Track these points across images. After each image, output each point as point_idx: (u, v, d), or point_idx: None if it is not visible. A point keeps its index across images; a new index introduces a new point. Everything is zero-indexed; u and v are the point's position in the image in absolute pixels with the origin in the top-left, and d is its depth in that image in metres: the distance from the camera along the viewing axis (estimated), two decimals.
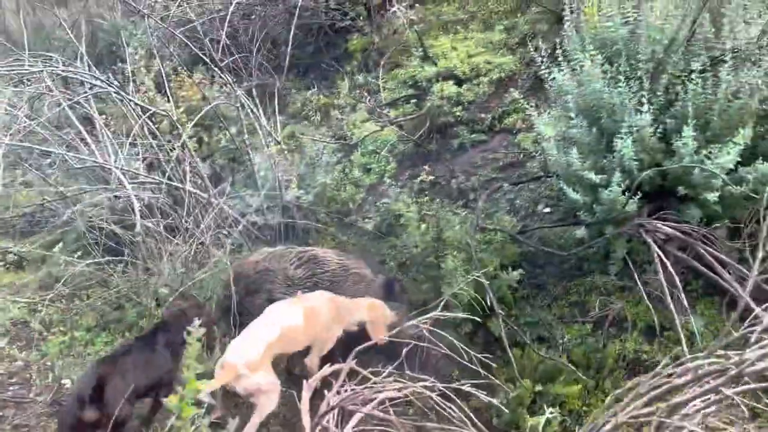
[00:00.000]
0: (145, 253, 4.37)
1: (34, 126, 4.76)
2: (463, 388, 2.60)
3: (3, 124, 4.95)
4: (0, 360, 4.11)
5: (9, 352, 4.18)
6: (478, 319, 3.51)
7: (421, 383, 2.44)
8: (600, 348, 3.67)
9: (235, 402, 3.48)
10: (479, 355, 2.89)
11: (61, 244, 4.56)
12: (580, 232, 3.62)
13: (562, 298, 4.06)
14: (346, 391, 2.36)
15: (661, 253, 3.07)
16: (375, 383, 2.38)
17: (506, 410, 3.18)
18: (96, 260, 4.30)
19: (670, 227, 3.20)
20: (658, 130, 3.45)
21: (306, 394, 2.69)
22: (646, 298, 3.35)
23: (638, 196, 3.43)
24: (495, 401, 2.77)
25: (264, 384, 3.19)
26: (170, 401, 1.55)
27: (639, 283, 3.38)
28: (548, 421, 3.35)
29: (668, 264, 3.08)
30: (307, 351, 3.59)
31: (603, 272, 3.93)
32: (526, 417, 3.42)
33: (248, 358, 3.15)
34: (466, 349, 2.88)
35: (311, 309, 3.51)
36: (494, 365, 3.51)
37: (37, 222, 5.37)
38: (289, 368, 3.75)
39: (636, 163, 3.41)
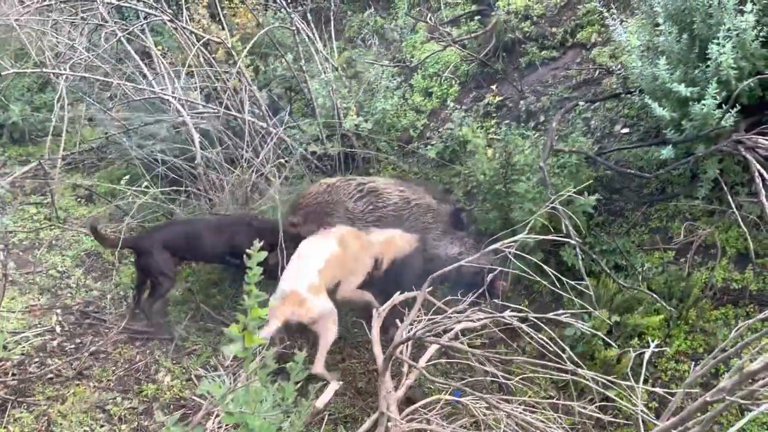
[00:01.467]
0: (206, 184, 4.35)
1: (94, 59, 4.74)
2: (547, 316, 2.41)
3: (64, 57, 4.95)
4: (77, 289, 4.25)
5: (85, 282, 4.32)
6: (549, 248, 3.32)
7: (509, 312, 2.28)
8: (684, 276, 3.42)
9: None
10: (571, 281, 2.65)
11: (126, 177, 4.59)
12: (666, 151, 3.29)
13: (642, 225, 3.79)
14: (421, 321, 2.24)
15: (763, 172, 2.74)
16: (456, 312, 2.25)
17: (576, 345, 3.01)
18: (157, 192, 4.31)
19: None
20: (761, 34, 3.04)
21: (376, 322, 2.61)
22: (740, 221, 3.04)
23: (735, 110, 3.06)
24: (599, 333, 2.54)
25: (327, 309, 3.18)
26: (231, 330, 1.47)
27: (733, 205, 3.08)
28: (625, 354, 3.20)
29: None
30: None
31: (689, 195, 3.62)
32: (601, 349, 3.27)
33: (309, 283, 3.15)
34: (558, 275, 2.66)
35: (342, 238, 3.46)
36: (565, 296, 3.35)
37: (103, 156, 5.44)
38: None
39: (734, 72, 3.02)
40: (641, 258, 3.61)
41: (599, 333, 2.94)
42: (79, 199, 5.30)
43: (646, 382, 3.05)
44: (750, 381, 1.69)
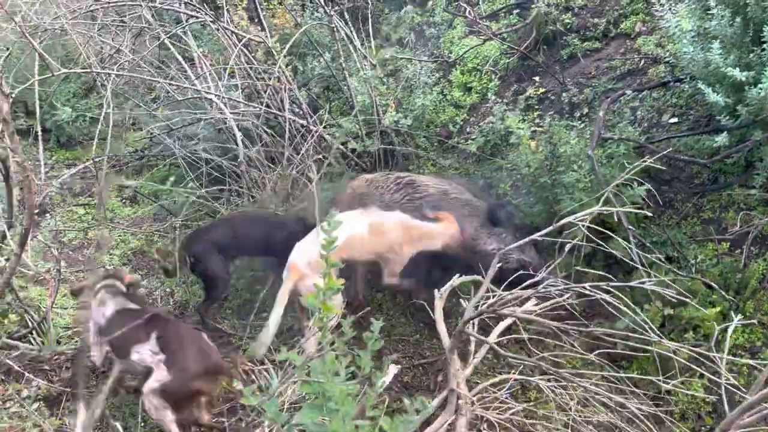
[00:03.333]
0: (248, 181, 4.40)
1: (138, 60, 4.84)
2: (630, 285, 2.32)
3: (109, 60, 5.08)
4: None
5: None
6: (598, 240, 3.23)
7: (589, 283, 2.22)
8: (740, 268, 3.31)
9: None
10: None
11: (172, 179, 4.68)
12: (721, 138, 3.19)
13: (694, 216, 3.68)
14: (489, 299, 2.22)
15: None
16: (527, 287, 2.21)
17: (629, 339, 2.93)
18: (203, 192, 4.37)
19: None
20: None
21: (439, 303, 2.58)
22: None
23: None
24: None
25: None
26: (307, 299, 1.46)
27: None
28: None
29: None
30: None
31: (743, 185, 3.50)
32: (655, 342, 3.18)
33: (311, 258, 3.11)
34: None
35: (378, 224, 3.41)
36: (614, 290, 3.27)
37: (148, 157, 5.55)
38: None
39: None
40: (694, 250, 3.51)
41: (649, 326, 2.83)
42: (124, 200, 5.43)
43: (702, 377, 2.97)
44: None
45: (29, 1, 4.98)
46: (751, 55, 3.10)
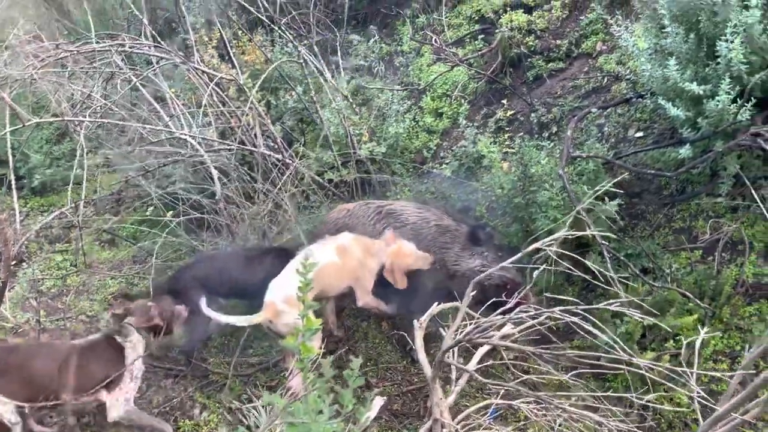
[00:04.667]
0: (226, 218, 4.41)
1: (110, 105, 4.85)
2: (599, 307, 2.38)
3: (81, 107, 5.08)
4: None
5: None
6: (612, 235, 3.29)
7: (560, 307, 2.27)
8: (713, 275, 3.38)
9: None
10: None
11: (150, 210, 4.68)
12: (684, 150, 3.29)
13: (665, 226, 3.77)
14: (467, 326, 2.24)
15: None
16: (502, 313, 2.25)
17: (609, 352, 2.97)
18: (180, 228, 4.36)
19: None
20: None
21: (419, 333, 2.60)
22: (766, 214, 3.03)
23: (750, 104, 3.07)
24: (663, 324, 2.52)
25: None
26: (287, 341, 1.48)
27: (757, 198, 3.06)
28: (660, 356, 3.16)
29: None
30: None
31: (710, 193, 3.61)
32: (637, 353, 3.23)
33: (285, 294, 3.12)
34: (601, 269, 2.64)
35: (343, 247, 3.46)
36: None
37: (124, 200, 5.53)
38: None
39: (745, 66, 3.04)
40: (668, 259, 3.59)
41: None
42: (102, 244, 5.39)
43: (684, 386, 3.02)
44: None
45: None
46: (707, 69, 3.22)
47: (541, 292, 3.62)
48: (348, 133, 4.82)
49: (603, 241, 3.14)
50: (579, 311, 2.31)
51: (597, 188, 2.99)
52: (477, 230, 3.84)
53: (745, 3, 3.01)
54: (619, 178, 3.18)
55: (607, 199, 3.57)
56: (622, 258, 3.39)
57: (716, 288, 3.36)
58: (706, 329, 2.41)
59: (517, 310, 2.46)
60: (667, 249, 3.67)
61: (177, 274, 3.87)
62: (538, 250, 3.30)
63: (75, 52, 4.84)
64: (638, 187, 3.99)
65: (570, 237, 3.48)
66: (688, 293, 3.20)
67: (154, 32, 5.31)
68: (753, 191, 3.09)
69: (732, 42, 2.99)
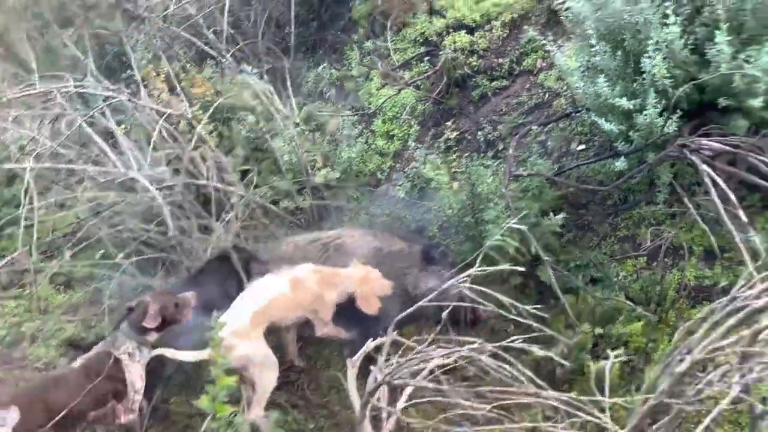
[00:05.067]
0: (182, 253, 4.39)
1: (57, 147, 4.80)
2: (515, 345, 2.47)
3: (27, 150, 5.01)
4: None
5: None
6: (522, 269, 3.36)
7: (468, 346, 2.32)
8: (658, 280, 3.50)
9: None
10: (528, 307, 2.73)
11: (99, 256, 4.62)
12: (620, 163, 3.43)
13: (611, 236, 3.89)
14: (391, 364, 2.27)
15: (710, 171, 2.87)
16: (419, 352, 2.28)
17: (565, 361, 3.04)
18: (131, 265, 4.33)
19: (716, 142, 2.99)
20: (689, 42, 3.22)
21: (351, 372, 2.62)
22: (700, 221, 3.16)
23: (677, 116, 3.22)
24: (551, 353, 2.61)
25: (254, 354, 3.14)
26: (201, 402, 1.50)
27: (691, 206, 3.19)
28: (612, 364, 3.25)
29: (719, 181, 2.88)
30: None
31: (650, 202, 3.75)
32: (589, 362, 3.32)
33: (234, 327, 3.10)
34: (514, 302, 2.72)
35: (297, 279, 3.44)
36: (548, 315, 3.40)
37: (77, 241, 5.44)
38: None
39: (669, 80, 3.19)
40: (615, 268, 3.70)
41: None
42: (57, 287, 5.29)
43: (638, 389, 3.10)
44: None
45: None
46: (635, 84, 3.37)
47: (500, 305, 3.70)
48: (301, 160, 4.85)
49: (546, 257, 3.23)
50: (494, 349, 2.37)
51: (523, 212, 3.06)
52: (430, 250, 3.89)
53: (665, 21, 3.16)
54: (558, 193, 3.27)
55: (552, 214, 3.69)
56: (564, 272, 3.49)
57: (661, 293, 3.48)
58: (615, 353, 2.49)
59: (435, 346, 2.50)
60: (614, 258, 3.78)
61: (122, 320, 3.79)
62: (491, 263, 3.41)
63: (19, 95, 4.78)
64: (584, 198, 4.11)
65: (519, 252, 3.62)
66: (629, 302, 3.30)
67: (99, 70, 5.28)
68: (686, 199, 3.22)
69: (654, 58, 3.13)
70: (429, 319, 3.61)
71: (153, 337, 3.25)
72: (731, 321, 1.94)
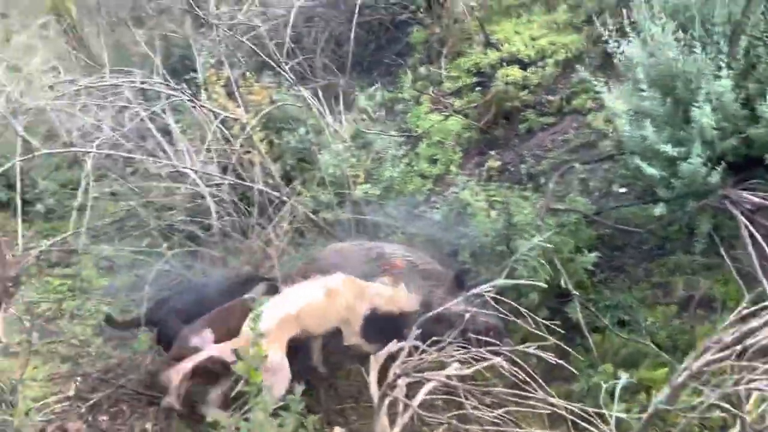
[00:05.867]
0: (221, 251, 4.55)
1: (118, 137, 5.07)
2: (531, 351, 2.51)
3: (91, 137, 5.29)
4: (98, 357, 4.37)
5: (104, 351, 4.45)
6: (543, 285, 3.39)
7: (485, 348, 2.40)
8: (687, 330, 3.48)
9: None
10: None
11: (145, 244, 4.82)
12: (659, 209, 3.44)
13: (643, 280, 3.89)
14: (411, 360, 2.35)
15: (749, 225, 2.87)
16: (441, 349, 2.35)
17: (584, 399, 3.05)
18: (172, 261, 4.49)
19: (758, 197, 2.99)
20: (740, 96, 3.24)
21: (374, 365, 2.68)
22: (735, 274, 3.14)
23: (721, 167, 3.23)
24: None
25: (270, 359, 3.09)
26: (238, 367, 1.59)
27: (727, 259, 3.18)
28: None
29: (758, 236, 2.87)
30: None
31: (687, 251, 3.73)
32: (608, 403, 3.30)
33: (265, 326, 3.07)
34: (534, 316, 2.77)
35: (332, 290, 3.49)
36: (573, 352, 3.42)
37: (125, 228, 5.69)
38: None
39: (717, 132, 3.21)
40: (645, 313, 3.69)
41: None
42: (100, 270, 5.52)
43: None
44: None
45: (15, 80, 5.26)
46: (682, 132, 3.40)
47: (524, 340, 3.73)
48: (345, 174, 4.99)
49: (575, 292, 3.26)
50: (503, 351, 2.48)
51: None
52: (462, 275, 3.96)
53: (718, 73, 3.20)
54: (595, 232, 3.30)
55: (586, 251, 3.71)
56: (592, 309, 3.50)
57: (690, 343, 3.45)
58: (626, 376, 2.54)
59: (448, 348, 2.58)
60: (644, 303, 3.77)
61: (155, 305, 3.91)
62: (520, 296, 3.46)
63: (89, 86, 5.07)
64: (620, 240, 4.12)
65: (550, 286, 3.66)
66: (656, 346, 3.29)
67: (165, 70, 5.57)
68: (723, 250, 3.21)
69: (704, 108, 3.16)
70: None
71: None
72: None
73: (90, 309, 4.92)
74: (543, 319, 3.83)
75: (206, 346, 3.33)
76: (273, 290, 3.69)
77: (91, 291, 5.18)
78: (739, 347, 1.99)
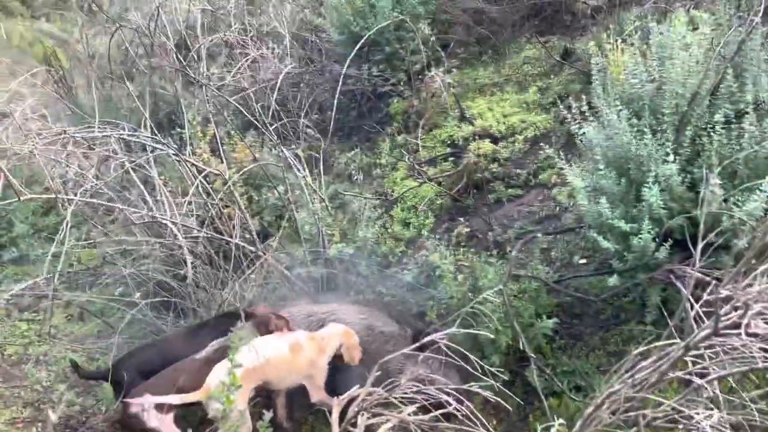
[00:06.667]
0: (194, 302, 4.63)
1: (101, 186, 5.20)
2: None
3: (73, 184, 5.42)
4: (58, 403, 4.35)
5: (68, 397, 4.43)
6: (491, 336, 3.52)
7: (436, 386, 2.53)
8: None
9: None
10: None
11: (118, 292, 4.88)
12: (613, 280, 3.67)
13: (600, 348, 4.07)
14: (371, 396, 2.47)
15: (691, 298, 3.10)
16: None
17: None
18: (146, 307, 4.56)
19: (700, 272, 3.23)
20: (686, 180, 3.54)
21: (336, 409, 2.77)
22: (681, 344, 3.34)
23: (669, 243, 3.49)
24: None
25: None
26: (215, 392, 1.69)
27: (674, 331, 3.38)
28: None
29: (699, 310, 3.09)
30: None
31: (640, 321, 3.94)
32: None
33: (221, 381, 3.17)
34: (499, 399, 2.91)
35: (297, 344, 3.62)
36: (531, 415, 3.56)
37: (99, 276, 5.73)
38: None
39: (665, 211, 3.49)
40: (599, 379, 3.84)
41: None
42: (69, 317, 5.52)
43: None
44: None
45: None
46: (634, 209, 3.67)
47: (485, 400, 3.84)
48: (320, 232, 5.17)
49: (532, 355, 3.42)
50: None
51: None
52: (420, 335, 4.06)
53: (666, 158, 3.51)
54: (555, 300, 3.49)
55: (545, 317, 3.91)
56: (548, 372, 3.66)
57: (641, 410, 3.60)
58: (560, 421, 2.69)
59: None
60: (600, 369, 3.94)
61: (118, 361, 3.91)
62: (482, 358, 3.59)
63: (78, 136, 5.24)
64: (579, 309, 4.33)
65: (513, 350, 3.83)
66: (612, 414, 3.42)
67: (152, 124, 5.77)
68: (669, 322, 3.41)
69: (653, 189, 3.45)
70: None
71: None
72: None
73: (56, 355, 4.92)
74: (504, 381, 3.99)
75: (145, 415, 3.35)
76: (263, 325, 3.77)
77: (58, 337, 5.18)
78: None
